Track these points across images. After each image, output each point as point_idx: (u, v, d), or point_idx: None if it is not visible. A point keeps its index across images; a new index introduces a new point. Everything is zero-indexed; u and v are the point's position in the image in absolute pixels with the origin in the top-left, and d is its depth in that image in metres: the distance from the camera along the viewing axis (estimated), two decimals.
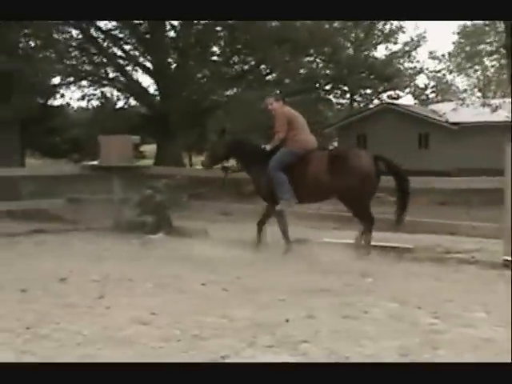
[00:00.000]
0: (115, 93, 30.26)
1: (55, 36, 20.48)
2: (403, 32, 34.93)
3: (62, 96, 28.54)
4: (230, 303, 6.16)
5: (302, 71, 25.67)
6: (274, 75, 26.89)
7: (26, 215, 12.50)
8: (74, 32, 24.29)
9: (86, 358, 4.64)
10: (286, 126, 8.66)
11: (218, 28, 24.31)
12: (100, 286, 6.82)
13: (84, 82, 27.60)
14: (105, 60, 26.32)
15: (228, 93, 27.61)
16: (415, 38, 38.41)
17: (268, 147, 8.85)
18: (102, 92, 28.90)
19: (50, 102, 26.07)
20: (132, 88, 27.39)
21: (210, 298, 6.42)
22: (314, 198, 8.99)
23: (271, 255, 8.67)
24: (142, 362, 4.44)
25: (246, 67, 26.99)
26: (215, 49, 26.25)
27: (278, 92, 9.87)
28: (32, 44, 18.79)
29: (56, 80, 24.37)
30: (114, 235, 10.29)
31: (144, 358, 4.67)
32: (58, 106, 27.81)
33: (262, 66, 26.71)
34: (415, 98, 43.89)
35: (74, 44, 24.49)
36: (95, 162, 11.98)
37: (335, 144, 43.42)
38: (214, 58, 26.39)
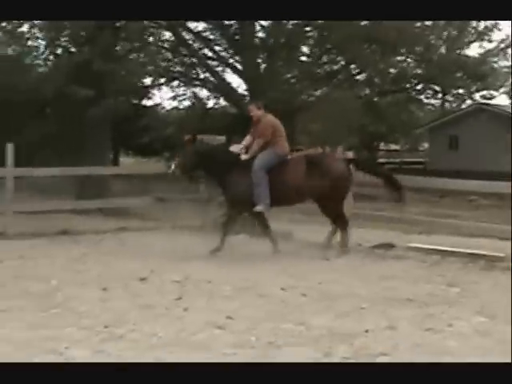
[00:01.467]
0: (206, 93, 30.50)
1: (147, 38, 20.86)
2: (499, 30, 33.73)
3: (151, 97, 29.18)
4: (308, 310, 6.03)
5: (392, 71, 25.09)
6: (363, 75, 26.44)
7: (115, 213, 12.74)
8: (167, 34, 24.68)
9: (160, 359, 4.62)
10: (270, 133, 8.77)
11: (308, 28, 24.15)
12: (179, 287, 6.83)
13: (175, 83, 27.98)
14: (196, 61, 26.61)
15: (317, 93, 27.36)
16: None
17: (245, 156, 8.78)
18: (193, 92, 29.21)
19: (143, 102, 26.66)
20: (222, 88, 27.54)
21: (288, 303, 6.30)
22: (289, 201, 9.19)
23: (353, 260, 8.48)
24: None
25: (335, 67, 26.63)
26: (304, 49, 26.10)
27: (257, 101, 9.61)
28: (126, 47, 19.24)
29: (148, 81, 24.80)
30: (200, 235, 10.31)
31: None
32: (150, 106, 28.38)
33: (352, 66, 26.30)
34: (510, 98, 42.26)
35: (166, 46, 24.90)
36: None
37: (425, 145, 42.47)
38: (303, 58, 26.24)
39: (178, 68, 26.69)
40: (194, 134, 9.13)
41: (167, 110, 30.82)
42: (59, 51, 19.07)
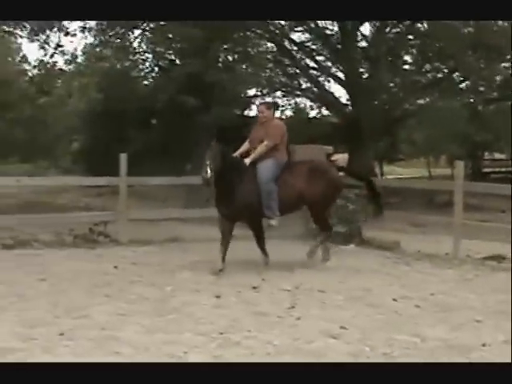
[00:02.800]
0: (308, 103, 30.55)
1: (250, 50, 21.13)
2: None
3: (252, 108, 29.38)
4: (422, 321, 5.92)
5: (497, 78, 24.29)
6: (467, 82, 25.73)
7: None
8: (269, 45, 24.93)
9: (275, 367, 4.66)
10: (280, 138, 8.37)
11: (410, 36, 23.80)
12: (291, 295, 6.86)
13: (278, 93, 28.18)
14: (298, 71, 26.73)
15: (420, 101, 26.86)
16: None
17: (248, 160, 8.23)
18: (295, 102, 29.34)
19: (246, 113, 26.96)
20: (324, 98, 27.51)
21: (401, 314, 6.22)
22: (291, 209, 8.78)
23: (464, 271, 8.28)
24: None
25: (438, 75, 26.08)
26: (407, 57, 25.75)
27: (269, 100, 9.21)
28: (230, 58, 19.62)
29: (252, 91, 25.09)
30: (305, 244, 10.31)
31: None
32: (253, 117, 28.68)
33: (456, 74, 25.66)
34: None
35: (269, 57, 25.15)
36: None
37: None
38: (406, 66, 25.87)
39: (281, 78, 26.87)
40: (218, 136, 8.71)
41: None
42: (162, 63, 19.70)
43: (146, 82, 22.41)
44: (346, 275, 7.94)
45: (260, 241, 8.38)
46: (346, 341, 5.36)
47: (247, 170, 8.13)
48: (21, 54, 27.19)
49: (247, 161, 8.15)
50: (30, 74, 21.75)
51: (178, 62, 19.36)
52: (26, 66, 23.88)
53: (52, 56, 18.95)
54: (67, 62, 19.35)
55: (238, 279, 7.58)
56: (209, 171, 7.69)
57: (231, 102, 18.87)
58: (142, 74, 21.93)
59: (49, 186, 18.88)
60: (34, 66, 20.97)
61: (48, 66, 19.53)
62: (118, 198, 10.48)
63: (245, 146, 8.57)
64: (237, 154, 8.45)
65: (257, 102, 10.08)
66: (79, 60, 19.24)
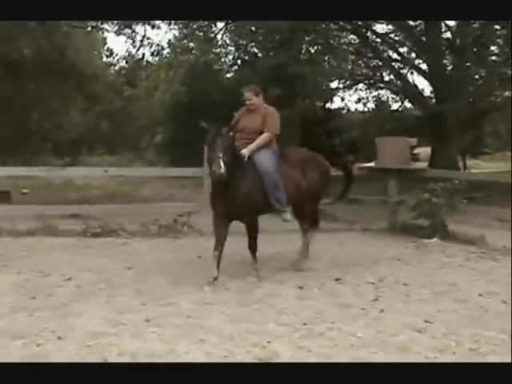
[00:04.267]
0: (390, 95, 30.16)
1: (332, 42, 21.00)
2: None
3: (342, 99, 29.22)
4: (509, 317, 5.76)
5: None
6: None
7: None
8: (352, 37, 24.73)
9: (360, 359, 4.66)
10: (279, 128, 7.48)
11: (497, 26, 23.11)
12: (374, 288, 6.81)
13: (360, 85, 27.94)
14: (380, 63, 26.40)
15: (507, 93, 26.07)
16: None
17: (247, 151, 7.16)
18: (378, 95, 29.00)
19: (328, 105, 26.90)
20: (407, 90, 27.09)
21: (487, 309, 6.08)
22: (291, 203, 7.70)
23: None
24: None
25: None
26: (493, 48, 25.01)
27: (254, 85, 7.71)
28: (312, 50, 19.56)
29: (334, 84, 24.99)
30: (388, 237, 10.23)
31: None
32: (335, 109, 28.59)
33: None
34: None
35: (351, 49, 24.95)
36: (370, 164, 12.01)
37: None
38: (492, 57, 25.14)
39: (363, 70, 26.63)
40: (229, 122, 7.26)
41: (352, 113, 30.85)
42: (245, 56, 19.83)
43: (228, 75, 22.64)
44: (431, 269, 7.82)
45: (254, 242, 7.31)
46: (432, 335, 5.30)
47: (246, 162, 7.15)
48: (106, 48, 27.90)
49: (245, 152, 7.15)
50: (117, 66, 22.30)
51: (260, 54, 19.47)
52: (113, 59, 24.49)
53: (139, 48, 19.41)
54: (154, 54, 19.75)
55: (321, 271, 7.57)
56: (222, 165, 6.53)
57: (314, 94, 18.83)
58: (225, 66, 22.15)
59: (134, 178, 19.33)
60: (121, 59, 21.53)
61: (135, 58, 20.00)
62: (200, 190, 10.62)
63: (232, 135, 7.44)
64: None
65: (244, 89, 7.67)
66: (165, 52, 19.60)
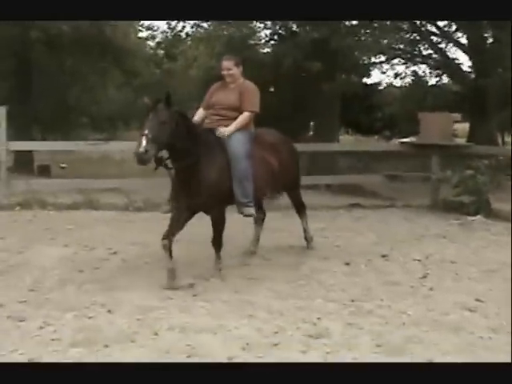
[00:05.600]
0: (427, 70, 29.67)
1: None
2: None
3: (384, 73, 28.80)
4: None
5: None
6: None
7: (343, 190, 12.89)
8: None
9: (412, 339, 4.59)
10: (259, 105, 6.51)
11: None
12: (422, 266, 6.73)
13: (397, 60, 27.51)
14: (418, 37, 25.95)
15: None
16: None
17: (226, 131, 6.26)
18: (414, 70, 28.55)
19: (365, 80, 26.61)
20: (445, 65, 26.62)
21: None
22: (264, 193, 6.82)
23: None
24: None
25: None
26: None
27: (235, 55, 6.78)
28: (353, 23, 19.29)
29: (372, 59, 24.66)
30: (431, 214, 10.10)
31: (472, 347, 4.48)
32: (372, 84, 28.28)
33: None
34: None
35: (388, 23, 24.52)
36: (408, 140, 11.87)
37: None
38: None
39: (400, 45, 26.16)
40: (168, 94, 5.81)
41: (387, 88, 30.47)
42: (282, 31, 19.59)
43: (264, 50, 22.43)
44: (478, 247, 7.69)
45: (219, 237, 6.34)
46: (484, 314, 5.21)
47: (215, 144, 6.21)
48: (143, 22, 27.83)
49: (227, 130, 6.25)
50: (157, 39, 22.27)
51: (297, 29, 19.22)
52: (153, 32, 24.41)
53: (179, 21, 19.29)
54: (194, 27, 19.62)
55: (367, 247, 7.50)
56: (144, 143, 5.45)
57: (354, 68, 18.59)
58: (262, 41, 21.94)
59: None
60: (161, 32, 21.47)
61: (175, 31, 19.92)
62: None
63: (200, 113, 6.62)
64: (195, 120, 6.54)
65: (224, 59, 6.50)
66: (205, 25, 19.46)
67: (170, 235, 6.04)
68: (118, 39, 20.37)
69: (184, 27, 19.82)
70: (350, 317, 5.10)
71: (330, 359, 4.21)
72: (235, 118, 6.35)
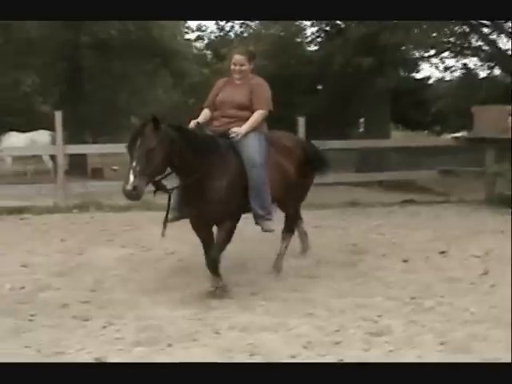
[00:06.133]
0: (478, 63, 29.14)
1: None
2: None
3: (436, 67, 28.41)
4: None
5: None
6: None
7: (396, 186, 12.77)
8: None
9: (477, 337, 4.51)
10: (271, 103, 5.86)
11: None
12: (481, 261, 6.61)
13: (446, 54, 27.10)
14: (468, 30, 25.49)
15: None
16: None
17: (240, 130, 5.58)
18: (465, 63, 28.07)
19: (414, 75, 26.30)
20: (496, 57, 26.13)
21: None
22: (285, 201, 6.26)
23: None
24: None
25: None
26: None
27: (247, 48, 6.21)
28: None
29: (419, 53, 24.37)
30: (486, 209, 9.93)
31: None
32: (422, 79, 27.92)
33: None
34: None
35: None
36: (461, 134, 11.70)
37: None
38: None
39: (449, 38, 25.74)
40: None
41: (436, 82, 30.04)
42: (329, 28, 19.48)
43: (311, 48, 22.38)
44: None
45: (217, 253, 5.59)
46: None
47: (225, 150, 5.52)
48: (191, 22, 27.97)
49: (241, 131, 5.56)
50: (205, 40, 22.38)
51: (343, 25, 19.11)
52: (202, 33, 24.55)
53: (228, 21, 19.39)
54: (242, 27, 19.69)
55: (424, 243, 7.41)
56: (131, 179, 4.83)
57: (403, 63, 18.38)
58: (309, 39, 21.90)
59: None
60: (210, 32, 21.59)
61: (224, 31, 20.03)
62: None
63: (206, 114, 5.93)
64: (193, 124, 5.77)
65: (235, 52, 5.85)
66: (253, 24, 19.52)
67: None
68: (165, 41, 20.55)
69: (232, 27, 19.93)
70: (410, 314, 5.04)
71: (393, 357, 4.17)
72: (247, 119, 5.65)
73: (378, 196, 11.12)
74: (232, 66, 5.82)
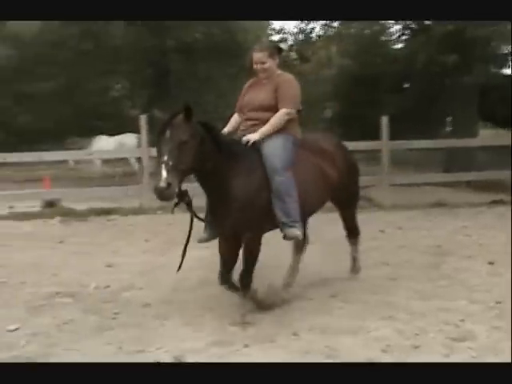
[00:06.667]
0: None
1: None
2: None
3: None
4: None
5: None
6: None
7: (483, 186, 12.38)
8: None
9: None
10: (299, 102, 5.29)
11: None
12: None
13: None
14: None
15: None
16: None
17: (256, 136, 5.05)
18: None
19: (503, 71, 25.43)
20: None
21: None
22: (314, 210, 5.55)
23: None
24: None
25: None
26: None
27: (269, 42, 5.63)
28: None
29: (508, 48, 23.54)
30: None
31: None
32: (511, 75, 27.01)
33: None
34: None
35: None
36: None
37: None
38: None
39: None
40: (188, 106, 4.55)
41: None
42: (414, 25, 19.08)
43: (395, 46, 22.01)
44: None
45: (250, 272, 5.12)
46: None
47: (249, 155, 5.01)
48: (274, 24, 28.09)
49: (253, 137, 5.04)
50: (288, 42, 22.36)
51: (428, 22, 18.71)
52: (284, 35, 24.63)
53: (309, 22, 19.34)
54: (324, 27, 19.59)
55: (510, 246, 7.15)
56: (164, 174, 4.30)
57: (491, 59, 17.80)
58: (393, 37, 21.55)
59: None
60: (292, 34, 21.54)
61: (305, 32, 19.98)
62: (374, 164, 10.45)
63: (235, 119, 5.49)
64: (225, 131, 5.37)
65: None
66: (335, 24, 19.38)
67: (225, 275, 5.18)
68: (249, 44, 20.70)
69: (314, 28, 19.87)
70: (495, 319, 4.87)
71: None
72: None
73: (465, 196, 10.80)
74: (254, 66, 5.29)
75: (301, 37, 20.44)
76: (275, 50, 5.29)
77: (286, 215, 5.01)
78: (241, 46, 20.68)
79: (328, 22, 18.79)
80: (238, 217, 4.81)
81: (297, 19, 17.80)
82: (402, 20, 16.01)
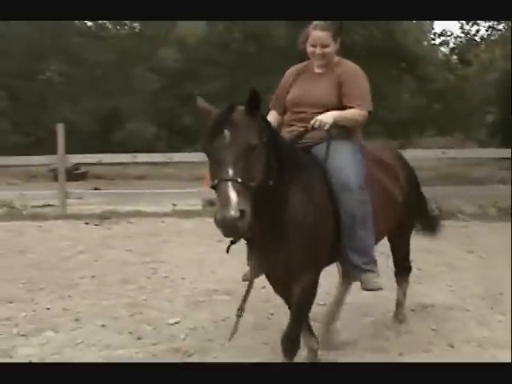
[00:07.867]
0: None
1: None
2: None
3: None
4: None
5: None
6: None
7: None
8: None
9: None
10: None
11: None
12: None
13: None
14: None
15: None
16: None
17: (323, 121, 3.78)
18: None
19: None
20: None
21: None
22: (382, 236, 4.34)
23: None
24: None
25: None
26: None
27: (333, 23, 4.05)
28: None
29: None
30: None
31: None
32: None
33: None
34: None
35: None
36: None
37: None
38: None
39: None
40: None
41: None
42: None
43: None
44: None
45: (299, 326, 3.88)
46: None
47: (309, 165, 3.76)
48: (435, 26, 27.49)
49: (327, 120, 3.80)
50: (450, 45, 21.90)
51: None
52: (446, 38, 24.13)
53: (473, 24, 18.80)
54: (488, 30, 18.94)
55: None
56: (234, 198, 2.95)
57: None
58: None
59: (465, 159, 18.83)
60: (454, 37, 21.08)
61: (469, 35, 19.44)
62: None
63: (274, 118, 4.16)
64: None
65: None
66: (501, 26, 18.65)
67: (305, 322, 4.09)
68: (409, 45, 20.40)
69: (478, 31, 19.21)
70: None
71: None
72: None
73: None
74: (310, 48, 4.05)
75: (463, 40, 19.87)
76: (337, 30, 4.08)
77: (360, 254, 3.82)
78: (402, 47, 20.41)
79: (494, 23, 18.14)
80: (298, 252, 3.54)
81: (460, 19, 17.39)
82: None
